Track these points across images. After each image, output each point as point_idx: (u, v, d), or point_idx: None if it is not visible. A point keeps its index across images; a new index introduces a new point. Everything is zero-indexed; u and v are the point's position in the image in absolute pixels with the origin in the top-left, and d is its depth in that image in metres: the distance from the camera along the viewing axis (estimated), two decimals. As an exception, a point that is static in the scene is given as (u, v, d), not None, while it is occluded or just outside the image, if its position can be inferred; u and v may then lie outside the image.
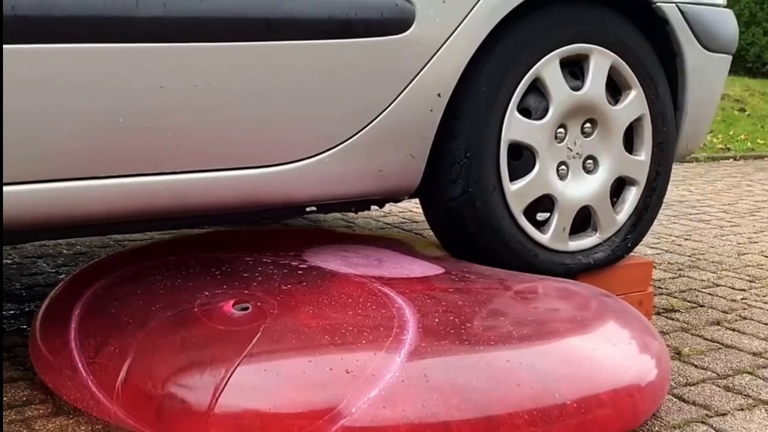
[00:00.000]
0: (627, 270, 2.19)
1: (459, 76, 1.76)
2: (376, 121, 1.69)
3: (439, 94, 1.74)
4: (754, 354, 2.01)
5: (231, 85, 1.53)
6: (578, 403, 1.44)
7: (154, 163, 1.51)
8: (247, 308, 1.55)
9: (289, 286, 1.67)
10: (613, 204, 2.11)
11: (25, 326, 1.97)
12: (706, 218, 3.77)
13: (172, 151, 1.51)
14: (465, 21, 1.74)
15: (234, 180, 1.59)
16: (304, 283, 1.70)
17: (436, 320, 1.57)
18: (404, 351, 1.45)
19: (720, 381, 1.83)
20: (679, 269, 2.47)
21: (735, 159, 5.99)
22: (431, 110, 1.75)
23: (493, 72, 1.84)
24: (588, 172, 2.04)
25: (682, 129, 2.23)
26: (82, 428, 1.47)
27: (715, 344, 2.07)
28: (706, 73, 2.21)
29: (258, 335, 1.47)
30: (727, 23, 2.28)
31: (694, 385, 1.80)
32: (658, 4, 2.05)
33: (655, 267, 2.82)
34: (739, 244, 3.27)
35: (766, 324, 2.24)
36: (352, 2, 1.62)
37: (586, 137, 2.01)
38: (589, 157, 2.03)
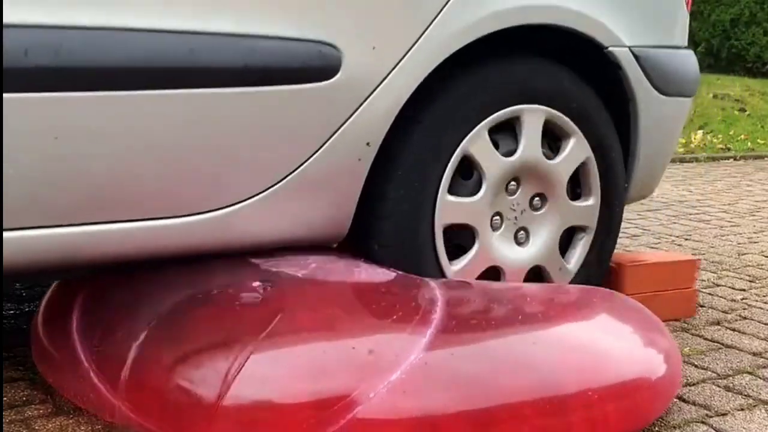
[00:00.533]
0: (674, 267, 2.25)
1: (390, 123, 1.69)
2: (299, 170, 1.62)
3: (368, 143, 1.67)
4: (754, 354, 2.01)
5: (136, 135, 1.46)
6: (599, 394, 1.45)
7: (48, 215, 1.44)
8: (268, 287, 1.56)
9: (316, 264, 1.69)
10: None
11: (25, 326, 1.97)
12: (706, 218, 3.77)
13: (71, 203, 1.45)
14: (397, 67, 1.67)
15: (142, 231, 1.53)
16: (334, 264, 1.72)
17: (466, 301, 1.61)
18: (430, 331, 1.45)
19: (720, 381, 1.83)
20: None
21: (735, 159, 5.99)
22: (359, 160, 1.68)
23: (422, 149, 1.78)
24: (524, 240, 1.99)
25: (633, 174, 2.14)
26: (82, 428, 1.47)
27: (715, 344, 2.07)
28: (660, 118, 2.13)
29: (277, 319, 1.46)
30: (686, 65, 2.20)
31: (694, 385, 1.80)
32: (610, 48, 1.98)
33: (655, 267, 2.82)
34: (739, 244, 3.27)
35: (766, 324, 2.24)
36: (270, 50, 1.54)
37: (531, 210, 1.98)
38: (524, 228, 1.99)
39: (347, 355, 1.41)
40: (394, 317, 1.50)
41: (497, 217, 1.92)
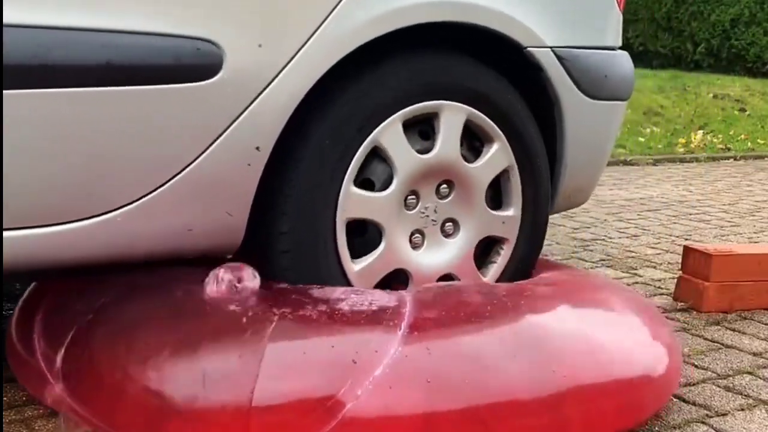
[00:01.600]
0: (761, 259, 2.35)
1: (282, 127, 1.57)
2: (179, 176, 1.50)
3: (258, 148, 1.55)
4: (754, 354, 2.01)
5: None
6: (586, 389, 1.45)
7: None
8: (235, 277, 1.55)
9: None
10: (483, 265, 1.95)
11: (25, 326, 1.97)
12: (706, 218, 3.77)
13: None
14: (288, 67, 1.55)
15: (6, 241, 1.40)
16: None
17: (432, 295, 1.61)
18: (404, 324, 1.46)
19: (720, 381, 1.83)
20: (680, 269, 2.47)
21: (735, 159, 5.99)
22: (249, 165, 1.56)
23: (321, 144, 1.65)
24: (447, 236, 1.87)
25: (561, 182, 2.01)
26: (81, 428, 1.47)
27: (715, 344, 2.07)
28: (589, 123, 1.99)
29: (255, 322, 1.45)
30: (619, 67, 2.07)
31: (694, 385, 1.80)
32: (529, 49, 1.84)
33: (654, 267, 2.82)
34: (739, 244, 3.26)
35: (766, 324, 2.24)
36: (137, 47, 1.42)
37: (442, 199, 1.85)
38: (448, 219, 1.87)
39: (327, 355, 1.41)
40: (366, 316, 1.50)
41: (417, 236, 1.82)
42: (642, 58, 10.67)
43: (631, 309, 1.75)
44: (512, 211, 1.93)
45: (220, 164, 1.54)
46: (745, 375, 1.88)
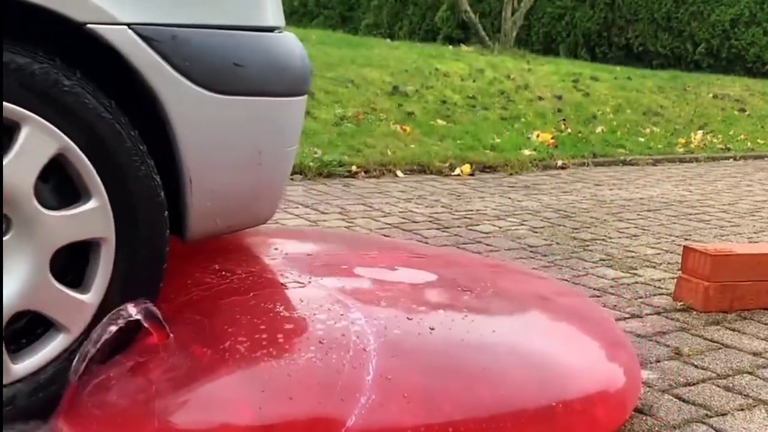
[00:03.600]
0: (760, 259, 2.36)
1: None
2: None
3: None
4: (754, 354, 2.01)
5: None
6: (545, 410, 1.45)
7: None
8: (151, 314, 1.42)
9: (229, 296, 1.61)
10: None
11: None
12: (706, 218, 3.77)
13: None
14: None
15: None
16: (249, 294, 1.63)
17: (398, 327, 1.55)
18: (372, 366, 1.41)
19: (720, 381, 1.83)
20: (679, 269, 2.47)
21: (735, 159, 5.98)
22: None
23: None
24: None
25: (189, 203, 1.50)
26: (82, 428, 1.47)
27: (715, 344, 2.07)
28: (219, 126, 1.50)
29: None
30: (266, 53, 1.58)
31: (694, 385, 1.80)
32: (90, 26, 1.35)
33: (654, 267, 2.82)
34: (739, 244, 3.26)
35: (766, 324, 2.24)
36: None
37: None
38: None
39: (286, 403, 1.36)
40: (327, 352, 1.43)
41: None
42: (642, 58, 10.67)
43: (591, 326, 1.75)
44: (88, 297, 1.40)
45: None
46: (744, 375, 1.88)
